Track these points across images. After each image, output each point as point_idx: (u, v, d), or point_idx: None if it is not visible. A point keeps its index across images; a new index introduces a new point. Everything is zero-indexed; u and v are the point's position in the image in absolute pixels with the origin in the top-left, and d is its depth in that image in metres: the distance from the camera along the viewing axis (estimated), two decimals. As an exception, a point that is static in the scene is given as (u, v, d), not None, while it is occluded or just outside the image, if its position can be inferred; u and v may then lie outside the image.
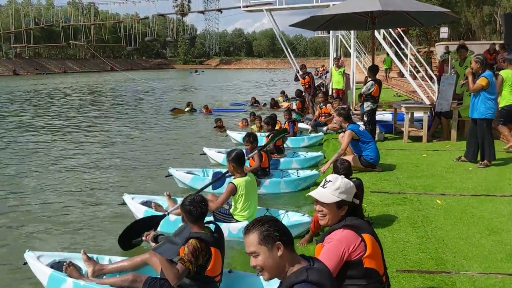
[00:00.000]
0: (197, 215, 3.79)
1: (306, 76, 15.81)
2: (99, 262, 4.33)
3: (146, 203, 6.17)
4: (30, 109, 22.33)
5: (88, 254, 4.31)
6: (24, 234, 5.99)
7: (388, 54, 23.37)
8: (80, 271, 4.19)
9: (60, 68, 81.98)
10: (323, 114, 12.62)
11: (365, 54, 33.26)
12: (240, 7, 19.07)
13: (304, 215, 5.66)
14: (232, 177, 5.68)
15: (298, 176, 7.70)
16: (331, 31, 19.94)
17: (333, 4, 14.68)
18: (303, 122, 13.15)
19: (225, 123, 14.59)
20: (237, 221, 5.56)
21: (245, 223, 5.35)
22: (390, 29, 17.14)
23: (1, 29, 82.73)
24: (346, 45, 25.85)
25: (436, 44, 30.51)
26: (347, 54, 32.22)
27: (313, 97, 14.97)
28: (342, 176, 2.95)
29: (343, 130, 7.80)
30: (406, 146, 9.42)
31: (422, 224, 5.06)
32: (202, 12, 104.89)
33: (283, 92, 22.54)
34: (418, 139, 9.77)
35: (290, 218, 5.72)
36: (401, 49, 16.04)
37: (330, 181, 2.87)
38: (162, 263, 3.57)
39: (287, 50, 17.22)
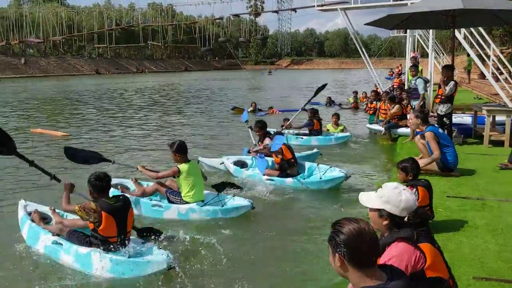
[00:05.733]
0: (101, 188, 4.75)
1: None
2: (63, 217, 5.66)
3: (114, 186, 6.72)
4: (107, 104, 23.74)
5: (57, 210, 5.70)
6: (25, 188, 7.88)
7: (468, 55, 22.37)
8: (47, 220, 5.67)
9: (138, 68, 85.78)
10: (396, 116, 12.28)
11: (443, 54, 31.99)
12: (314, 6, 19.00)
13: (246, 199, 6.46)
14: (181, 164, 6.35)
15: (320, 179, 7.88)
16: (408, 31, 19.39)
17: (411, 3, 14.27)
18: (376, 123, 12.90)
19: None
20: (187, 202, 6.29)
21: (193, 205, 6.30)
22: (472, 28, 16.36)
23: (85, 30, 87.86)
24: (424, 45, 25.02)
25: (522, 44, 28.74)
26: (424, 55, 31.19)
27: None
28: (403, 187, 2.83)
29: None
30: (486, 150, 8.97)
31: (502, 232, 4.82)
32: (276, 11, 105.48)
33: (356, 92, 22.25)
34: (499, 143, 9.26)
35: (235, 201, 6.50)
36: (483, 49, 15.30)
37: (381, 187, 2.83)
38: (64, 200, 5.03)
39: (361, 50, 16.93)
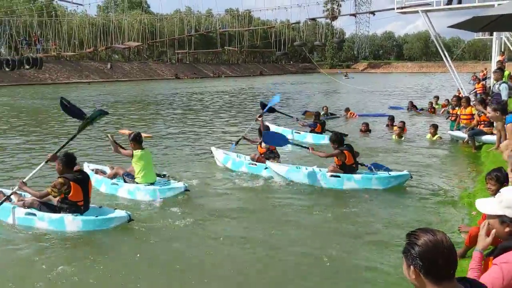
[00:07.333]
0: (68, 162, 6.11)
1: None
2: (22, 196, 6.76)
3: (94, 170, 8.39)
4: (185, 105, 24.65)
5: (18, 192, 6.64)
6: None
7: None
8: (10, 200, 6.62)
9: (215, 73, 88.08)
10: (482, 122, 11.68)
11: (533, 57, 30.00)
12: (393, 9, 18.59)
13: (182, 183, 7.65)
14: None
15: (389, 174, 7.87)
16: (494, 33, 18.45)
17: (498, 4, 13.57)
18: (459, 130, 12.37)
19: (371, 126, 14.91)
20: (137, 183, 7.56)
21: (142, 186, 7.51)
22: None
23: (166, 36, 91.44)
24: (511, 48, 23.64)
25: None
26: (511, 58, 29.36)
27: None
28: None
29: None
30: None
31: None
32: (354, 15, 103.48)
33: (437, 97, 21.46)
34: None
35: (173, 184, 7.63)
36: None
37: (500, 192, 2.67)
38: (29, 191, 6.21)
39: (443, 53, 16.32)
